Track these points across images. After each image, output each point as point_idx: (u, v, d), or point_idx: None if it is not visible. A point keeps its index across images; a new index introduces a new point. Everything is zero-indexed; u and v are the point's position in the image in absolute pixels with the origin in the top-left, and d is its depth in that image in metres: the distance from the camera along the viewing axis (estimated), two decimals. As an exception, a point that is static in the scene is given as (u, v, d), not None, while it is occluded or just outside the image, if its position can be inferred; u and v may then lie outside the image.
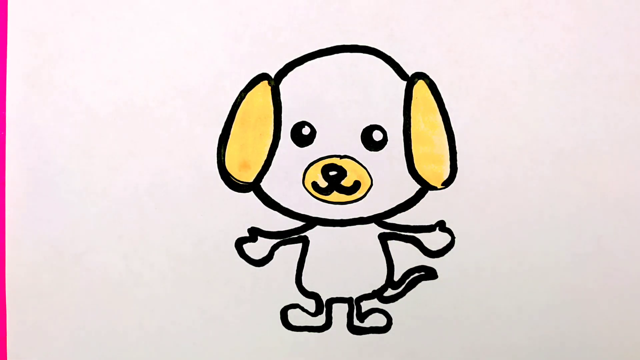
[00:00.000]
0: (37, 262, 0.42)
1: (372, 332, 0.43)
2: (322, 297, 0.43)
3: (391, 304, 0.43)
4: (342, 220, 0.42)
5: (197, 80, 0.41)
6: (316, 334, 0.43)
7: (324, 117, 0.41)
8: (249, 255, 0.42)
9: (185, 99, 0.41)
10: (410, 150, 0.41)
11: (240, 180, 0.41)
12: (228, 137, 0.41)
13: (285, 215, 0.42)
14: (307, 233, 0.42)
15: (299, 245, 0.42)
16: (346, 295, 0.43)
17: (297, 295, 0.43)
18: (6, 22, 0.40)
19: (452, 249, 0.42)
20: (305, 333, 0.43)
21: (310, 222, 0.42)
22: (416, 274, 0.43)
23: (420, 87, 0.41)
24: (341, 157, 0.41)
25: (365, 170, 0.41)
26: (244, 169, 0.41)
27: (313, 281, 0.43)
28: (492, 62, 0.41)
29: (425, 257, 0.42)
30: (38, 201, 0.41)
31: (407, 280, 0.43)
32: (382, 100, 0.41)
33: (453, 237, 0.42)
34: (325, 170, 0.41)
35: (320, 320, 0.43)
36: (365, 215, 0.42)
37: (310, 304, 0.43)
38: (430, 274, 0.43)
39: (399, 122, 0.41)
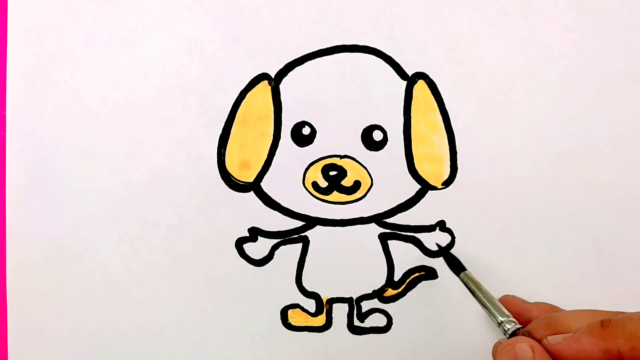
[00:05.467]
0: (37, 262, 0.42)
1: (372, 332, 0.43)
2: (322, 297, 0.43)
3: (391, 304, 0.43)
4: (342, 220, 0.42)
5: (197, 80, 0.41)
6: (316, 334, 0.43)
7: (324, 117, 0.41)
8: (249, 255, 0.42)
9: (185, 99, 0.41)
10: (411, 150, 0.41)
11: (241, 180, 0.41)
12: (228, 137, 0.41)
13: (286, 215, 0.42)
14: (307, 233, 0.42)
15: (299, 245, 0.42)
16: (346, 295, 0.43)
17: (297, 295, 0.43)
18: (6, 22, 0.40)
19: (452, 249, 0.42)
20: (305, 333, 0.43)
21: (311, 222, 0.42)
22: (416, 274, 0.43)
23: (420, 87, 0.41)
24: (341, 157, 0.41)
25: (365, 170, 0.41)
26: (244, 169, 0.41)
27: (313, 281, 0.43)
28: (492, 62, 0.41)
29: (425, 257, 0.42)
30: (38, 201, 0.41)
31: (407, 280, 0.43)
32: (382, 100, 0.41)
33: (453, 237, 0.42)
34: (325, 170, 0.41)
35: (320, 320, 0.43)
36: (365, 215, 0.42)
37: (310, 304, 0.43)
38: (430, 274, 0.43)
39: (399, 122, 0.41)
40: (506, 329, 0.33)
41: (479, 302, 0.37)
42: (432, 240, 0.42)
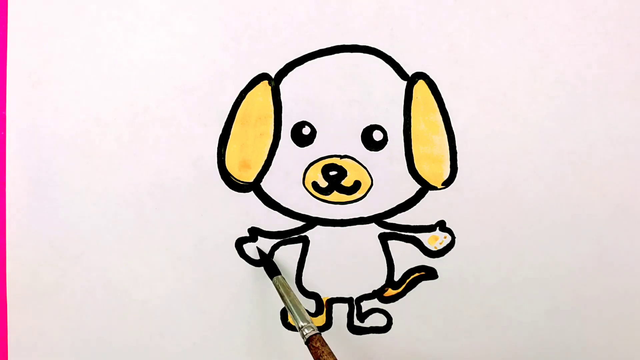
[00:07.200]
0: (37, 262, 0.42)
1: (372, 332, 0.43)
2: (322, 297, 0.43)
3: (391, 304, 0.43)
4: (342, 220, 0.42)
5: (197, 80, 0.41)
6: (316, 334, 0.43)
7: (324, 117, 0.41)
8: (249, 255, 0.42)
9: (185, 99, 0.41)
10: (410, 150, 0.41)
11: (241, 180, 0.41)
12: (228, 137, 0.41)
13: (286, 215, 0.42)
14: (307, 233, 0.42)
15: (299, 245, 0.42)
16: (346, 295, 0.43)
17: (297, 295, 0.43)
18: (6, 22, 0.40)
19: (452, 249, 0.42)
20: (305, 333, 0.43)
21: (311, 222, 0.42)
22: (416, 274, 0.43)
23: (420, 87, 0.41)
24: (341, 157, 0.41)
25: (365, 170, 0.41)
26: (244, 169, 0.41)
27: (313, 281, 0.43)
28: (492, 62, 0.41)
29: (425, 257, 0.42)
30: (38, 201, 0.41)
31: (407, 280, 0.43)
32: (382, 100, 0.41)
33: (453, 237, 0.42)
34: (325, 170, 0.41)
35: (320, 320, 0.43)
36: (365, 215, 0.42)
37: (310, 304, 0.43)
38: (430, 274, 0.43)
39: (399, 122, 0.41)
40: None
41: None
42: (433, 241, 0.42)
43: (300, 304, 0.38)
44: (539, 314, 0.43)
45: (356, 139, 0.41)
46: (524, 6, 0.40)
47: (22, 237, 0.42)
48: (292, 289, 0.40)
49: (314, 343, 0.35)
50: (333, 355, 0.34)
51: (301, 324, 0.36)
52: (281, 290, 0.39)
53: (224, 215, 0.42)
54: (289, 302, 0.38)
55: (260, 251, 0.42)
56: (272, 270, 0.41)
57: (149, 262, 0.42)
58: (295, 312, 0.37)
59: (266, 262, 0.42)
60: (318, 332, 0.36)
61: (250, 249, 0.42)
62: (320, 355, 0.34)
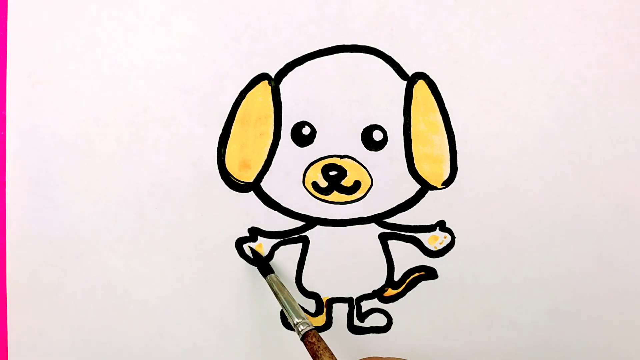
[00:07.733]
0: (37, 262, 0.42)
1: (372, 332, 0.43)
2: (322, 297, 0.43)
3: (391, 304, 0.43)
4: (342, 220, 0.42)
5: (197, 80, 0.41)
6: (316, 334, 0.43)
7: (324, 117, 0.41)
8: (249, 255, 0.42)
9: (185, 99, 0.41)
10: (410, 150, 0.41)
11: (241, 180, 0.41)
12: (228, 137, 0.41)
13: (286, 215, 0.42)
14: (307, 233, 0.42)
15: (299, 245, 0.42)
16: (346, 295, 0.43)
17: (297, 295, 0.43)
18: (6, 22, 0.40)
19: (452, 249, 0.42)
20: (305, 333, 0.43)
21: (311, 222, 0.42)
22: (416, 274, 0.43)
23: (420, 87, 0.41)
24: (341, 157, 0.41)
25: (365, 170, 0.41)
26: (244, 169, 0.41)
27: (313, 281, 0.43)
28: (492, 62, 0.41)
29: (425, 257, 0.42)
30: (38, 201, 0.41)
31: (407, 280, 0.43)
32: (382, 100, 0.41)
33: (453, 237, 0.42)
34: (325, 170, 0.41)
35: (321, 320, 0.43)
36: (365, 215, 0.42)
37: (311, 304, 0.43)
38: (430, 274, 0.43)
39: (399, 122, 0.41)
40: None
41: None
42: (433, 241, 0.42)
43: (295, 300, 0.38)
44: (539, 314, 0.43)
45: (356, 139, 0.41)
46: (524, 6, 0.40)
47: (22, 237, 0.42)
48: (287, 287, 0.40)
49: (310, 339, 0.35)
50: (329, 350, 0.34)
51: (296, 320, 0.36)
52: (275, 288, 0.39)
53: (224, 215, 0.42)
54: (282, 299, 0.38)
55: (252, 250, 0.42)
56: (265, 269, 0.41)
57: (149, 262, 0.42)
58: (289, 309, 0.37)
59: (259, 261, 0.42)
60: (313, 327, 0.36)
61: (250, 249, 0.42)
62: (316, 350, 0.35)
